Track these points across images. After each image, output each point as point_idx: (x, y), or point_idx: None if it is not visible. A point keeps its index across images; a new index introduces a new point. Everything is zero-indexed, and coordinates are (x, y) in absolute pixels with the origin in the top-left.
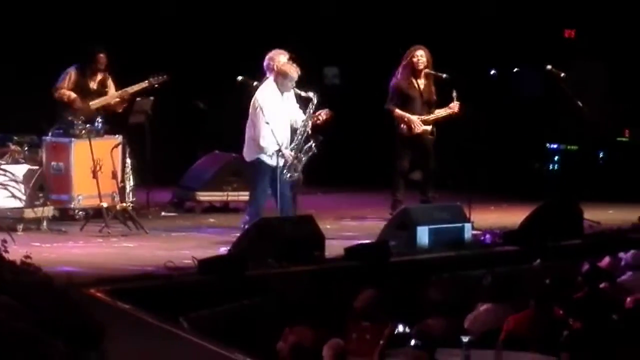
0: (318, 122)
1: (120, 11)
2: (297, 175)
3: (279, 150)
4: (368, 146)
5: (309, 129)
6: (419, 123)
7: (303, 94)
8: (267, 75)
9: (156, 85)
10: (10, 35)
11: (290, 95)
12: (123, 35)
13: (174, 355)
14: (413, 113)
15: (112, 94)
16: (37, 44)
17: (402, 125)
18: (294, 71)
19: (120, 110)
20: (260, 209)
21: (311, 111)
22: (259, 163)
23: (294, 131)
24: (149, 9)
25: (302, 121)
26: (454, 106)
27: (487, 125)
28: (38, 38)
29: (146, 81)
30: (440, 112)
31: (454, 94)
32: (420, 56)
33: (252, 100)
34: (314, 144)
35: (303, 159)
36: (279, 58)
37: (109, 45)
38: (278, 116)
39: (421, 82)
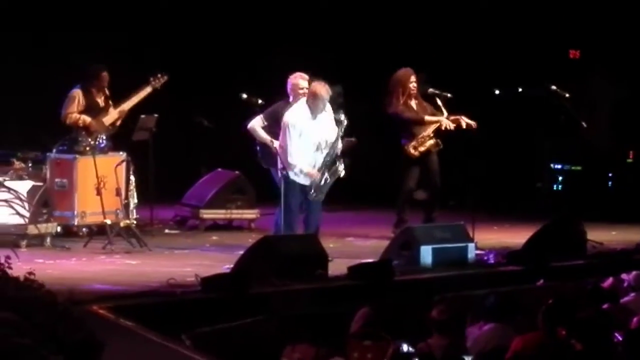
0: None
1: (120, 23)
2: (322, 197)
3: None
4: (372, 165)
5: (337, 151)
6: (448, 122)
7: (334, 115)
8: (290, 99)
9: (158, 87)
10: (13, 49)
11: (323, 117)
12: (123, 50)
13: None
14: (420, 133)
15: (124, 106)
16: (39, 58)
17: (408, 146)
18: (324, 92)
19: (119, 122)
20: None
21: (341, 133)
22: (288, 178)
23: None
24: (150, 20)
25: (331, 142)
26: (446, 114)
27: (489, 143)
28: (40, 52)
29: (149, 86)
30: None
31: (439, 102)
32: (415, 82)
33: (283, 119)
34: (341, 167)
35: (329, 180)
36: (299, 82)
37: (108, 58)
38: (308, 137)
39: (413, 104)
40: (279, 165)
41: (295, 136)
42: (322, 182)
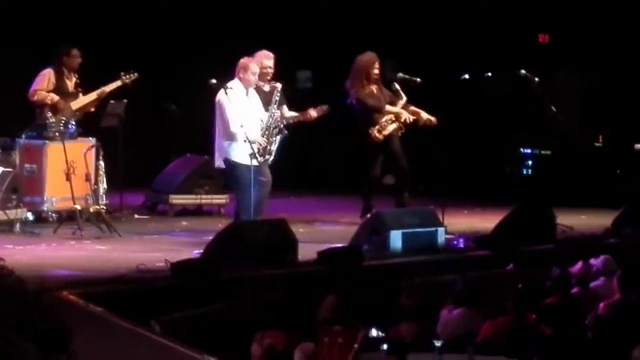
0: (311, 117)
1: (89, 11)
2: (272, 158)
3: (250, 141)
4: (339, 150)
5: (277, 117)
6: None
7: (267, 86)
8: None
9: (128, 83)
10: None
11: (254, 92)
12: (92, 37)
13: (146, 358)
14: (380, 119)
15: (91, 95)
16: (6, 46)
17: (372, 130)
18: (255, 64)
19: (93, 110)
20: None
21: (277, 99)
22: (232, 165)
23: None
24: (119, 9)
25: (269, 109)
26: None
27: (458, 128)
28: (8, 40)
29: (119, 80)
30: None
31: (396, 87)
32: (377, 68)
33: (216, 100)
34: (283, 127)
35: (275, 140)
36: (263, 61)
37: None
38: (243, 112)
39: (374, 88)
40: (220, 156)
41: (232, 108)
42: (268, 143)
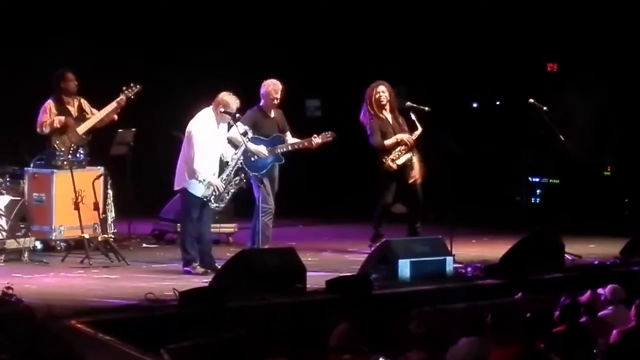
0: (315, 145)
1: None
2: (223, 206)
3: (209, 181)
4: (349, 179)
5: (240, 163)
6: (409, 137)
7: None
8: (262, 103)
9: (132, 96)
10: None
11: (223, 128)
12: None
13: None
14: (395, 146)
15: (96, 116)
16: (14, 74)
17: (386, 159)
18: (234, 102)
19: (109, 122)
20: (195, 241)
21: (243, 145)
22: (187, 193)
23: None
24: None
25: (233, 154)
26: (420, 129)
27: (467, 156)
28: (15, 69)
29: (122, 95)
30: (416, 134)
31: (413, 116)
32: (382, 92)
33: (187, 128)
34: (243, 178)
35: (231, 191)
36: (271, 90)
37: (87, 71)
38: (210, 145)
39: (388, 115)
40: (179, 182)
41: (200, 144)
42: (224, 191)
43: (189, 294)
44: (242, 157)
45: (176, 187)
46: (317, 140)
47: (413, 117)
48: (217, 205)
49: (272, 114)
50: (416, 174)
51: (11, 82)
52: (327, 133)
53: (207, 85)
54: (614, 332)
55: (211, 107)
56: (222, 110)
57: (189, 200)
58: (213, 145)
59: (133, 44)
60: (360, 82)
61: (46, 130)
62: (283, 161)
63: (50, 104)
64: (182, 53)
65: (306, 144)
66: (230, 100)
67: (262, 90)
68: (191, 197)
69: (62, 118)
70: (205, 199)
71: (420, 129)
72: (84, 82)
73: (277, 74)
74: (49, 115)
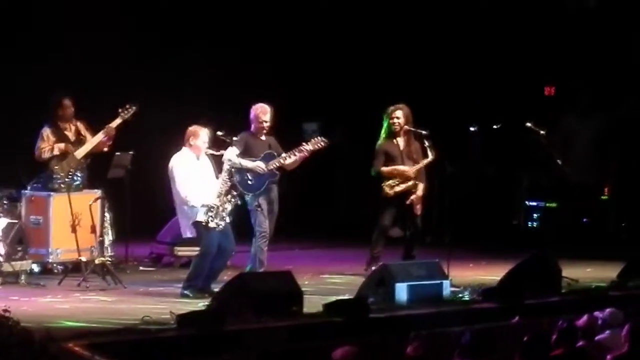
0: (307, 153)
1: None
2: (224, 224)
3: (208, 206)
4: (346, 202)
5: (228, 184)
6: (406, 170)
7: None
8: (252, 128)
9: (128, 118)
10: None
11: (205, 159)
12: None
13: None
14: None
15: (94, 139)
16: (11, 96)
17: (385, 185)
18: (204, 132)
19: (106, 149)
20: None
21: (227, 168)
22: (197, 225)
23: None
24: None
25: (220, 176)
26: (431, 157)
27: (464, 180)
28: (14, 91)
29: (118, 118)
30: (420, 165)
31: (427, 143)
32: (397, 118)
33: (169, 166)
34: (235, 195)
35: (228, 208)
36: (260, 115)
37: (85, 95)
38: (195, 176)
39: (400, 140)
40: (188, 223)
41: (182, 176)
42: (221, 209)
43: (186, 317)
44: (237, 178)
45: (188, 234)
46: (307, 147)
47: (427, 143)
48: (217, 224)
49: (263, 138)
50: (418, 202)
51: (9, 102)
52: (318, 138)
53: (208, 108)
54: (608, 357)
55: (185, 146)
56: (194, 141)
57: (202, 233)
58: (198, 175)
59: (133, 66)
60: (359, 105)
61: (45, 156)
62: (278, 175)
63: (46, 131)
64: (179, 74)
65: (297, 152)
66: (197, 129)
67: (251, 114)
68: (202, 228)
69: (62, 145)
70: (204, 223)
71: (431, 157)
72: (84, 103)
73: (275, 98)
74: (46, 142)
